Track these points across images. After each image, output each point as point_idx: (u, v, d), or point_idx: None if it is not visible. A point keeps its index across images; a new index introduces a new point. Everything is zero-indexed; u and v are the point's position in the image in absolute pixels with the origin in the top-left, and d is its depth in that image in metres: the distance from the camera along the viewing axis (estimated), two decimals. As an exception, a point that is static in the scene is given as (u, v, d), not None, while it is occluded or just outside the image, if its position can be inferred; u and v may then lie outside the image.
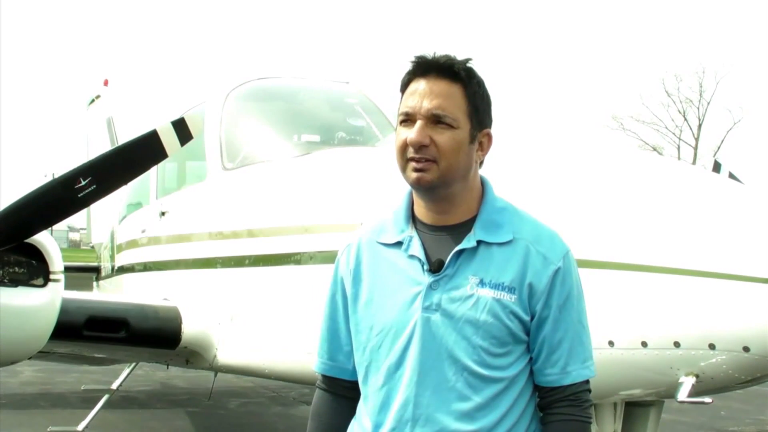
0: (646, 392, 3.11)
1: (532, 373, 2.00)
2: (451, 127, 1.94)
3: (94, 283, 9.51)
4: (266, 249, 4.58)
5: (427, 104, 1.94)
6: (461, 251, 1.95)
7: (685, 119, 44.12)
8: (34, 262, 4.17)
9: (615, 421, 3.29)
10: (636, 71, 76.06)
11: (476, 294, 1.92)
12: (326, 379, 2.18)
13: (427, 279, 1.96)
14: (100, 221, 10.95)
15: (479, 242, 1.96)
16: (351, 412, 2.12)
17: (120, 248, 7.83)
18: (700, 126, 43.94)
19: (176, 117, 4.25)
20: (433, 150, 1.93)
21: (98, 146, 11.03)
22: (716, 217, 2.90)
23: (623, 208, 3.04)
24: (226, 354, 4.98)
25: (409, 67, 2.01)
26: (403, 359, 1.96)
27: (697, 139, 43.91)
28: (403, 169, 1.98)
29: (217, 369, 5.33)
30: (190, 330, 5.20)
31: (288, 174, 4.83)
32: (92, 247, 11.40)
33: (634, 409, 3.33)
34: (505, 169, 3.49)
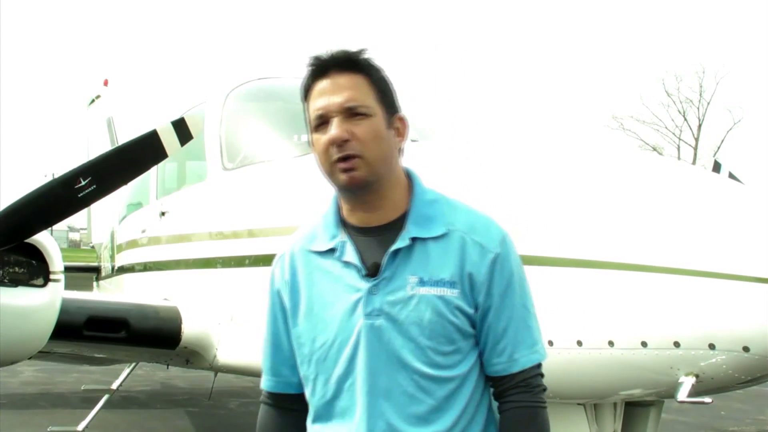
0: (646, 392, 3.10)
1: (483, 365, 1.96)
2: (366, 116, 1.89)
3: (94, 283, 9.52)
4: (266, 249, 4.58)
5: (337, 99, 1.89)
6: (397, 251, 1.89)
7: (685, 119, 44.13)
8: (34, 262, 4.17)
9: (615, 421, 3.29)
10: (636, 71, 76.12)
11: (417, 294, 1.87)
12: (271, 394, 2.12)
13: (365, 284, 1.89)
14: (100, 221, 10.95)
15: (413, 239, 1.90)
16: (298, 427, 2.05)
17: (120, 248, 7.83)
18: (700, 126, 43.93)
19: (176, 117, 4.25)
20: (355, 144, 1.87)
21: (98, 146, 11.03)
22: (716, 217, 2.89)
23: (624, 208, 3.03)
24: (226, 354, 4.98)
25: (307, 71, 1.94)
26: (351, 369, 1.90)
27: (697, 139, 43.90)
28: (331, 174, 1.91)
29: (217, 369, 5.34)
30: (190, 330, 5.21)
31: (288, 174, 4.82)
32: (92, 247, 11.41)
33: (634, 409, 3.34)
34: (506, 170, 3.50)
